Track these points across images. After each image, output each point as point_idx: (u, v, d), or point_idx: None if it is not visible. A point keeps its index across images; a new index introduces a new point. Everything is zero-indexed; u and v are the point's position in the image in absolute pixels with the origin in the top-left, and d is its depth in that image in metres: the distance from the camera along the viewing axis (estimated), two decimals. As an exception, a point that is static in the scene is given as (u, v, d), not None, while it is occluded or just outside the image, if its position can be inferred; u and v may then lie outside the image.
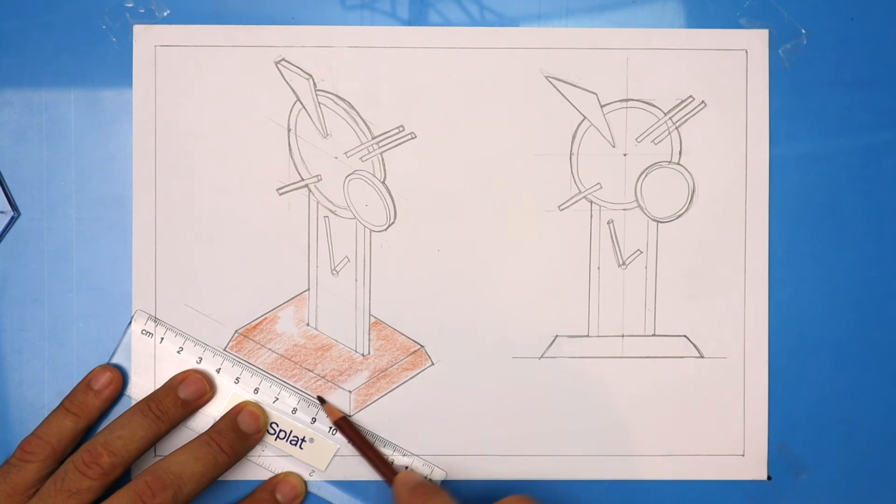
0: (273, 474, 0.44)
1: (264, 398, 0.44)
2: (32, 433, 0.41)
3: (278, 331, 0.44)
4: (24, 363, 0.44)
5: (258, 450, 0.44)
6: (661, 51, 0.45)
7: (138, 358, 0.44)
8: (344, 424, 0.43)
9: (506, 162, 0.44)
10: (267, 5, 0.44)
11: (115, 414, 0.43)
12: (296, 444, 0.44)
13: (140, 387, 0.43)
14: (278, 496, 0.43)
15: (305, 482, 0.44)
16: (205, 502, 0.43)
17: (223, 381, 0.44)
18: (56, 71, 0.44)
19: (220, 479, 0.42)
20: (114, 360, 0.44)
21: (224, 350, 0.44)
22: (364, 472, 0.44)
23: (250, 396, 0.44)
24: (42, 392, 0.44)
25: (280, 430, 0.44)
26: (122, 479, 0.40)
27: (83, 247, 0.44)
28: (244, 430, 0.42)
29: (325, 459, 0.44)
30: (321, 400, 0.44)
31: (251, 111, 0.44)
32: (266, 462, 0.44)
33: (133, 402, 0.43)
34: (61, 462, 0.41)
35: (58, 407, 0.42)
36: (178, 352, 0.44)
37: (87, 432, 0.43)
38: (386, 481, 0.42)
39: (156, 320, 0.44)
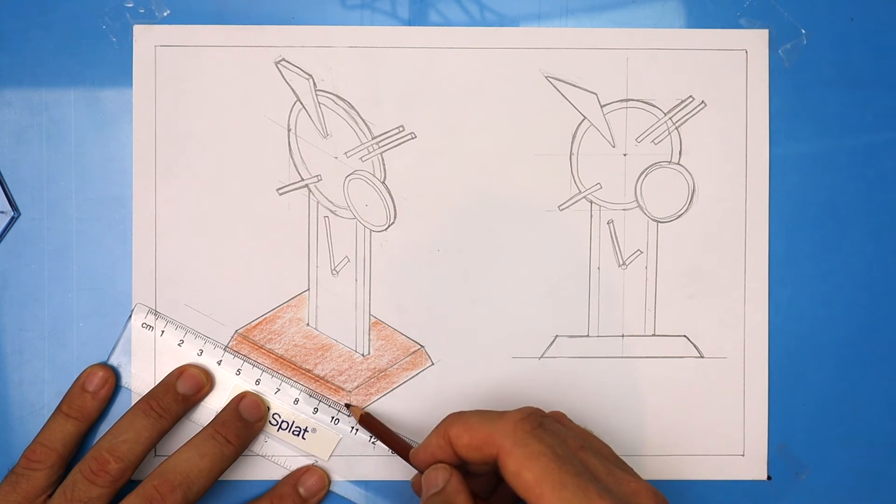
0: (277, 466, 0.44)
1: (266, 389, 0.44)
2: (35, 441, 0.41)
3: (278, 331, 0.44)
4: (24, 363, 0.44)
5: (260, 441, 0.44)
6: (661, 51, 0.45)
7: (139, 351, 0.44)
8: (368, 420, 0.43)
9: (506, 162, 0.44)
10: (267, 5, 0.44)
11: (114, 410, 0.43)
12: (298, 435, 0.44)
13: (141, 380, 0.43)
14: (301, 490, 0.43)
15: (329, 477, 0.44)
16: (219, 501, 0.44)
17: (224, 374, 0.44)
18: (56, 71, 0.44)
19: (231, 478, 0.42)
20: (114, 355, 0.44)
21: (225, 348, 0.44)
22: (371, 462, 0.44)
23: (252, 388, 0.44)
24: (42, 392, 0.44)
25: (282, 421, 0.44)
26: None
27: (83, 247, 0.44)
28: (247, 419, 0.42)
29: (328, 449, 0.44)
30: (347, 406, 0.44)
31: (251, 111, 0.44)
32: (270, 452, 0.44)
33: (133, 395, 0.43)
34: (68, 466, 0.41)
35: (56, 412, 0.42)
36: (178, 344, 0.44)
37: (89, 433, 0.43)
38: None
39: (156, 313, 0.44)
